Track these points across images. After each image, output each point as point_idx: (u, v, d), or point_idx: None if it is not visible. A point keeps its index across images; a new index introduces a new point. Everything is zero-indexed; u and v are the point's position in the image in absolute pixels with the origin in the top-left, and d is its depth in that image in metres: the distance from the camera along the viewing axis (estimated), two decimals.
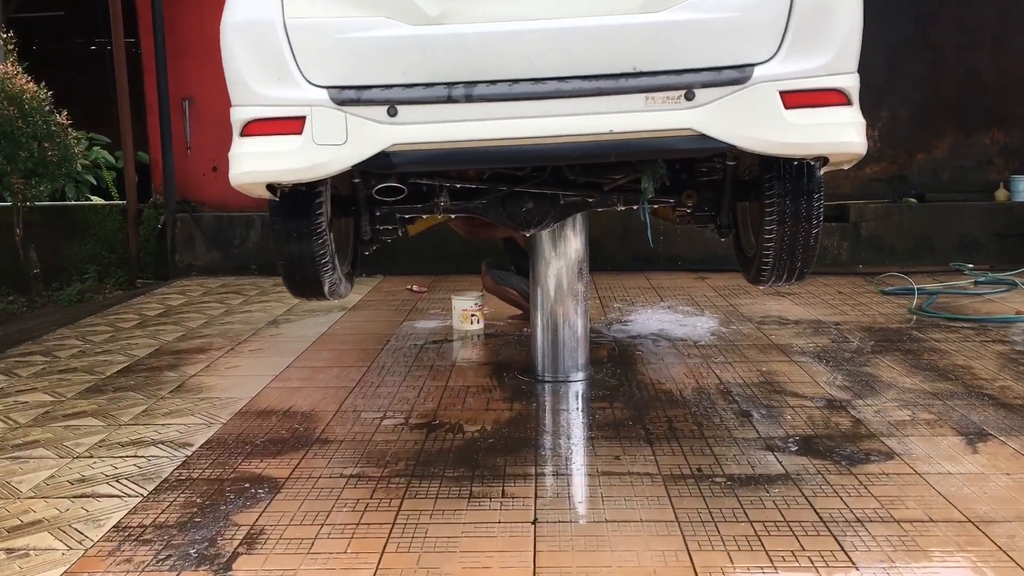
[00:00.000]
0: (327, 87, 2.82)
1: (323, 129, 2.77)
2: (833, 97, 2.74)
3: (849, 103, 2.78)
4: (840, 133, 2.80)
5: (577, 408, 4.08)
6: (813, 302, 6.39)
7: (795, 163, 3.07)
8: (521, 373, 4.62)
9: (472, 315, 5.68)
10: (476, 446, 3.58)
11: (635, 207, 3.57)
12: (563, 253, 4.41)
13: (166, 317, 6.38)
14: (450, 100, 2.74)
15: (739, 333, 5.45)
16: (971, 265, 7.57)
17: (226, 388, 4.50)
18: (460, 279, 7.37)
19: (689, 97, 2.70)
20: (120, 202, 8.91)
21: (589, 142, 2.73)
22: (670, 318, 5.94)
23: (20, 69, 7.31)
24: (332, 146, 2.78)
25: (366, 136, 2.77)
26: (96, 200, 9.41)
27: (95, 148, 9.65)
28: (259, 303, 6.80)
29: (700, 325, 5.70)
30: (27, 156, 7.19)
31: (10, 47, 7.37)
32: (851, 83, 2.81)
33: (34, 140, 7.20)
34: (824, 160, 2.96)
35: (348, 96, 2.81)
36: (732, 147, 2.76)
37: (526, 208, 3.57)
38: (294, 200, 3.17)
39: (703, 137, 2.72)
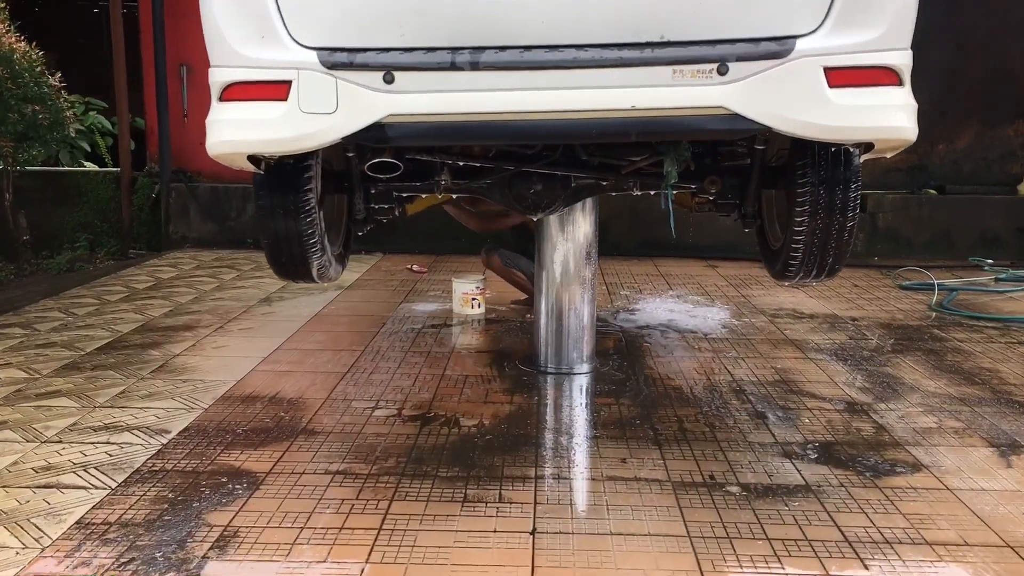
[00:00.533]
0: (316, 48, 2.55)
1: (311, 95, 2.50)
2: (883, 76, 2.47)
3: (900, 83, 2.51)
4: (889, 117, 2.52)
5: (581, 404, 3.84)
6: (828, 295, 6.14)
7: (832, 149, 2.81)
8: (522, 363, 4.38)
9: (473, 299, 5.44)
10: (473, 443, 3.35)
11: (652, 192, 3.30)
12: (571, 236, 4.16)
13: (155, 291, 6.14)
14: (454, 67, 2.46)
15: (752, 326, 5.20)
16: (990, 261, 7.31)
17: (211, 370, 4.26)
18: (462, 260, 7.12)
19: (722, 71, 2.42)
20: (114, 169, 8.65)
21: (608, 119, 2.46)
22: (679, 308, 5.70)
23: (10, 27, 7.02)
24: (320, 115, 2.50)
25: (359, 105, 2.50)
26: (90, 167, 9.14)
27: (91, 113, 9.36)
28: (253, 279, 6.56)
29: (711, 316, 5.46)
30: (17, 119, 6.92)
31: (0, 4, 7.08)
32: (903, 61, 2.52)
33: (25, 102, 6.93)
34: (867, 146, 2.69)
35: (339, 59, 2.53)
36: (767, 129, 2.49)
37: (534, 190, 3.30)
38: (280, 174, 2.91)
39: (736, 117, 2.44)
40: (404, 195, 3.46)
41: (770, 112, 2.45)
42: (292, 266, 3.13)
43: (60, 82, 7.25)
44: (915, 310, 5.67)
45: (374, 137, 2.57)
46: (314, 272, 3.17)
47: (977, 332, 5.09)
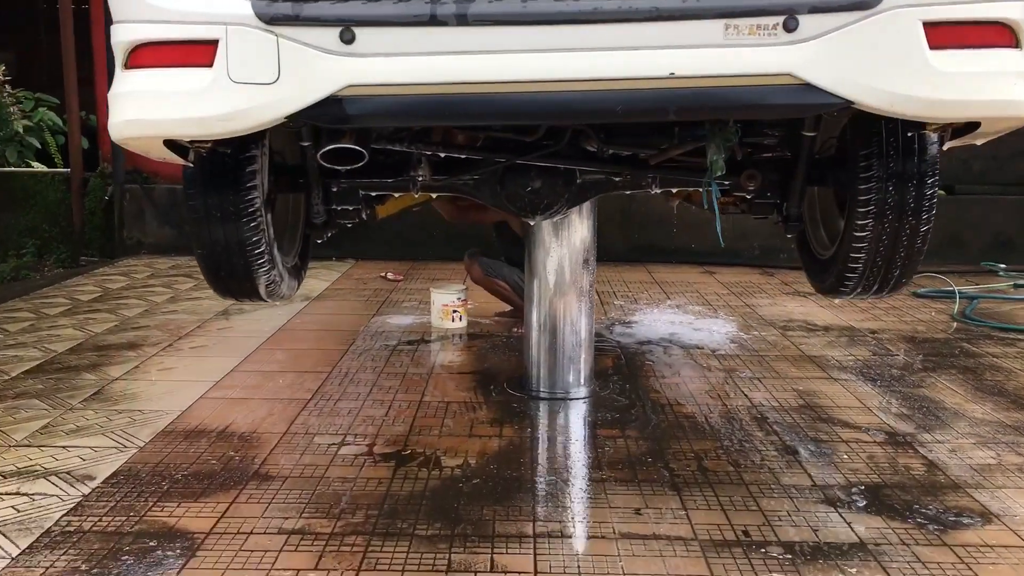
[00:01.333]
0: None
1: (244, 60, 1.93)
2: (996, 34, 1.94)
3: (1017, 44, 1.98)
4: (1006, 88, 1.96)
5: (582, 437, 3.32)
6: (840, 304, 5.65)
7: (908, 134, 2.29)
8: (511, 386, 3.85)
9: (454, 311, 4.90)
10: (457, 489, 2.81)
11: (673, 190, 2.78)
12: (566, 240, 3.64)
13: (101, 303, 5.55)
14: (434, 22, 1.90)
15: (763, 341, 4.70)
16: (1003, 265, 6.86)
17: (153, 397, 3.70)
18: (442, 267, 6.58)
19: (789, 27, 1.88)
20: (64, 170, 8.03)
21: (639, 90, 1.90)
22: (680, 320, 5.19)
23: None
24: (257, 86, 1.93)
25: (308, 72, 1.93)
26: (38, 167, 8.51)
27: (41, 109, 8.73)
28: (210, 289, 5.97)
29: (716, 329, 4.95)
30: None
31: None
32: (1020, 14, 2.00)
33: None
34: (962, 129, 2.16)
35: (281, 11, 1.96)
36: (847, 105, 1.96)
37: (532, 188, 2.76)
38: (216, 167, 2.36)
39: (807, 88, 1.89)
40: (373, 194, 2.90)
41: (852, 81, 1.90)
42: (234, 282, 2.57)
43: (3, 75, 6.64)
44: (937, 320, 5.20)
45: (329, 116, 2.01)
46: (262, 289, 2.61)
47: (1011, 346, 4.62)
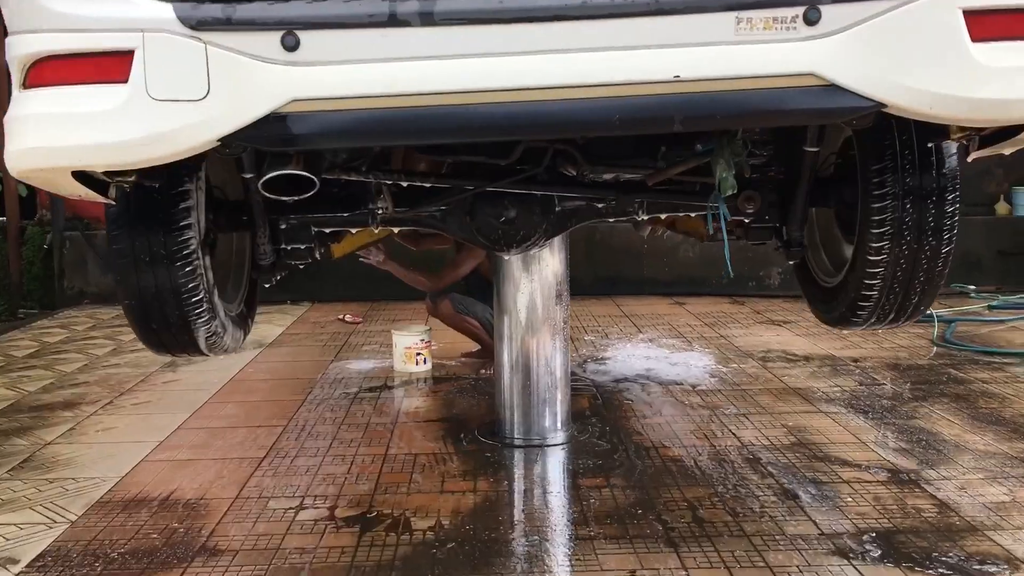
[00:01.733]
0: None
1: (166, 73, 1.65)
2: None
3: None
4: None
5: (564, 488, 3.05)
6: (815, 332, 5.46)
7: (928, 145, 2.08)
8: (483, 434, 3.57)
9: (418, 353, 4.62)
10: (430, 555, 2.53)
11: (663, 215, 2.54)
12: (537, 275, 3.40)
13: (37, 358, 5.18)
14: (394, 22, 1.62)
15: (743, 373, 4.48)
16: (973, 287, 6.75)
17: (89, 463, 3.36)
18: (403, 307, 6.29)
19: (811, 20, 1.64)
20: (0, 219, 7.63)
21: (640, 97, 1.64)
22: (655, 354, 4.96)
23: None
24: (183, 103, 1.64)
25: (244, 86, 1.65)
26: None
27: None
28: None
29: (693, 363, 4.72)
30: None
31: None
32: None
33: None
34: (999, 135, 1.93)
35: (210, 14, 1.67)
36: (876, 108, 1.71)
37: (506, 218, 2.50)
38: (143, 204, 2.07)
39: (832, 89, 1.65)
40: (327, 231, 2.63)
41: (884, 81, 1.66)
42: (169, 336, 2.27)
43: None
44: (917, 346, 5.02)
45: (271, 137, 1.72)
46: (201, 342, 2.31)
47: (998, 370, 4.45)
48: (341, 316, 6.17)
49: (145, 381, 4.56)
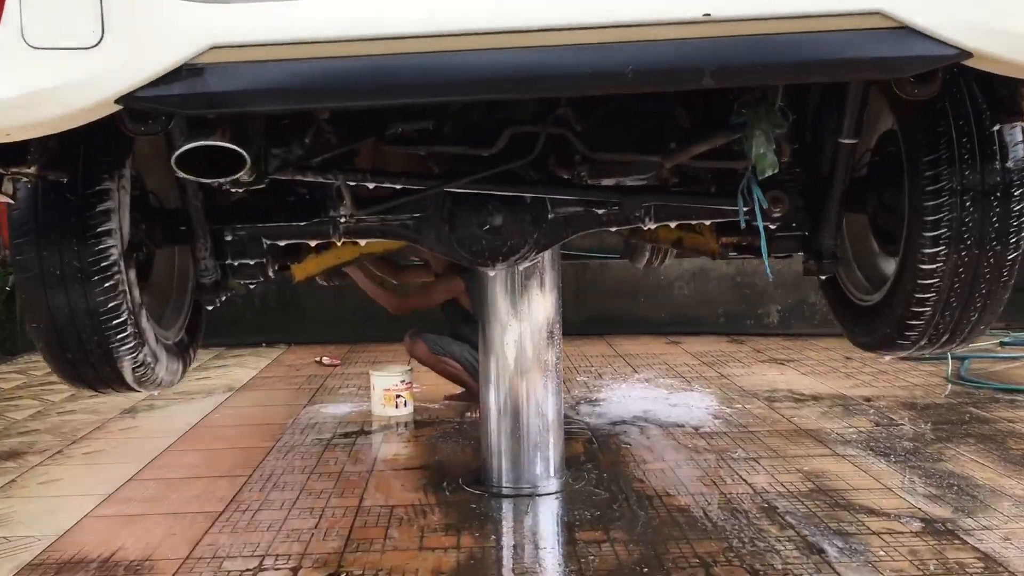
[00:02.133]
0: None
1: (47, 13, 1.31)
2: None
3: None
4: None
5: (558, 543, 2.70)
6: (822, 370, 5.17)
7: (991, 131, 1.78)
8: (468, 483, 3.23)
9: (398, 396, 4.28)
10: None
11: (672, 224, 2.22)
12: (526, 314, 3.11)
13: None
14: None
15: (749, 414, 4.16)
16: None
17: (26, 519, 3.00)
18: (383, 348, 5.96)
19: None
20: None
21: (659, 43, 1.31)
22: (653, 395, 4.63)
23: None
24: (70, 52, 1.31)
25: (149, 28, 1.32)
26: None
27: None
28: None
29: (695, 404, 4.40)
30: None
31: None
32: None
33: None
34: None
35: None
36: (960, 58, 1.37)
37: (491, 226, 2.17)
38: (51, 205, 1.75)
39: (904, 33, 1.33)
40: (281, 244, 2.29)
41: (972, 22, 1.34)
42: (86, 366, 1.92)
43: None
44: (932, 384, 4.72)
45: (184, 98, 1.37)
46: (128, 374, 1.95)
47: (1021, 409, 4.14)
48: (318, 358, 5.83)
49: (101, 428, 4.20)
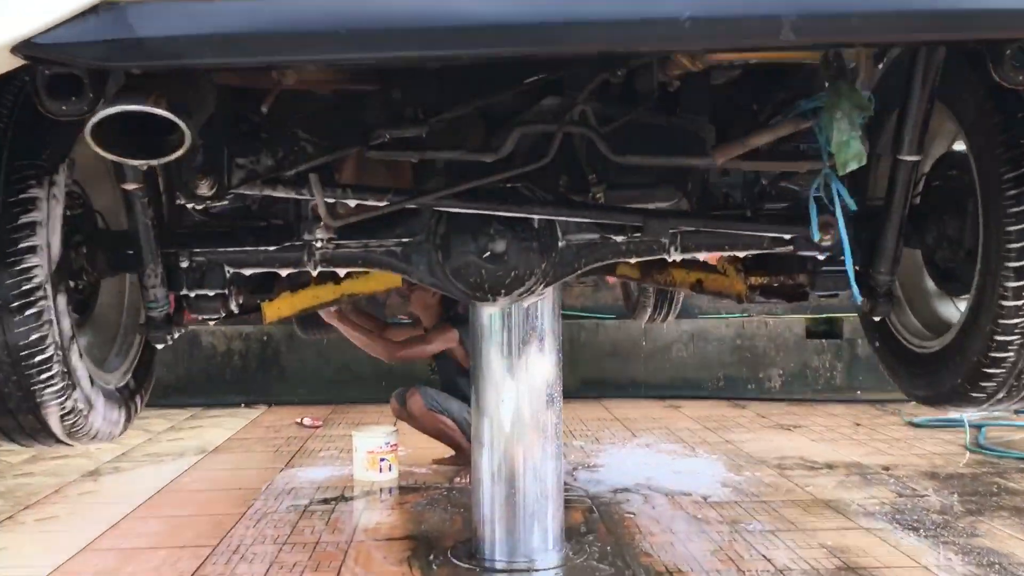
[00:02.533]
0: None
1: None
2: None
3: None
4: None
5: None
6: (833, 437, 4.89)
7: None
8: (458, 555, 2.93)
9: (382, 459, 3.97)
10: None
11: (701, 255, 1.94)
12: (524, 376, 2.84)
13: None
14: None
15: (760, 483, 3.86)
16: None
17: None
18: (367, 410, 5.65)
19: None
20: None
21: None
22: (656, 461, 4.34)
23: None
24: None
25: None
26: None
27: None
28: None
29: (701, 471, 4.11)
30: None
31: None
32: None
33: None
34: None
35: None
36: None
37: (492, 252, 1.89)
38: None
39: None
40: (247, 274, 2.00)
41: None
42: (3, 413, 1.62)
43: None
44: (952, 452, 4.44)
45: (99, 47, 1.09)
46: (54, 423, 1.65)
47: None
48: (299, 419, 5.51)
49: (59, 492, 3.86)
